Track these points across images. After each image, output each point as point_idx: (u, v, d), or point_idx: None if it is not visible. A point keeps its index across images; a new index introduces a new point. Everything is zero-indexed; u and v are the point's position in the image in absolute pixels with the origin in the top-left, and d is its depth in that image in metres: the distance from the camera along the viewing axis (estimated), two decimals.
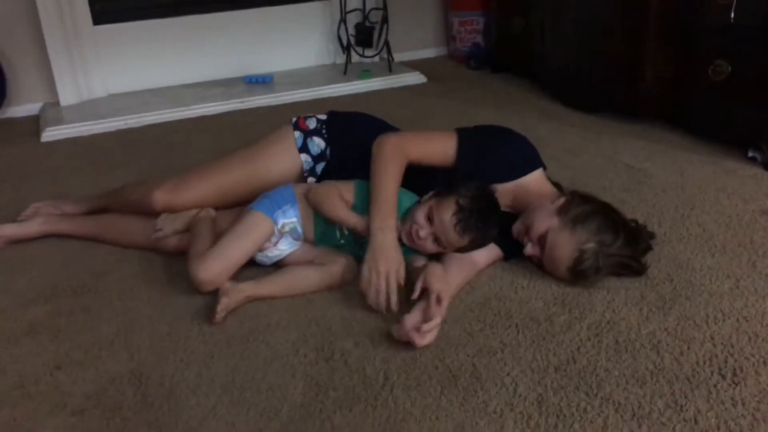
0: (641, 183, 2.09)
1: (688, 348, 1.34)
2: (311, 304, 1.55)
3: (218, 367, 1.36)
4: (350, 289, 1.60)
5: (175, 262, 1.72)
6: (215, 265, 1.54)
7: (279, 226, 1.61)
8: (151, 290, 1.63)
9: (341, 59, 3.37)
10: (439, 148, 1.64)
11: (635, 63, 2.46)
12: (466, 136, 1.66)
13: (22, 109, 3.04)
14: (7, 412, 1.28)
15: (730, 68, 2.19)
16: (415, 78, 3.28)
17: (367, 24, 3.32)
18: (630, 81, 2.50)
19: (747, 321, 1.41)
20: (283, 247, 1.65)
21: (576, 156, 2.32)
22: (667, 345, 1.35)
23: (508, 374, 1.30)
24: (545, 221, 1.53)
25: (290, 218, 1.62)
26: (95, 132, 2.77)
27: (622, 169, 2.19)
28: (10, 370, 1.39)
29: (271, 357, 1.38)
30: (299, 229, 1.64)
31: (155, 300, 1.59)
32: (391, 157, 1.58)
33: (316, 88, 3.13)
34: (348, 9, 3.29)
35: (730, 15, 2.12)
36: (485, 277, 1.62)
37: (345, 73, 3.27)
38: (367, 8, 3.32)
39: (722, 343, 1.35)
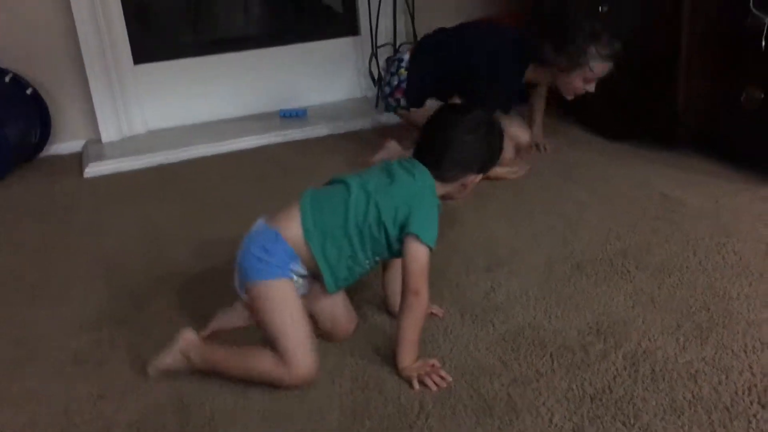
0: (675, 211, 2.08)
1: (727, 377, 1.33)
2: None
3: (256, 395, 1.38)
4: (381, 319, 1.62)
5: (211, 294, 1.75)
6: (297, 357, 1.36)
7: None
8: (190, 320, 1.67)
9: (373, 92, 3.43)
10: None
11: (668, 89, 2.46)
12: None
13: (65, 146, 3.14)
14: None
15: (763, 95, 2.18)
16: None
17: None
18: (662, 108, 2.50)
19: None
20: None
21: (607, 183, 2.32)
22: (705, 374, 1.34)
23: (543, 404, 1.30)
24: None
25: (301, 273, 1.45)
26: (136, 167, 2.86)
27: (656, 198, 2.19)
28: (55, 399, 1.44)
29: (307, 386, 1.40)
30: (305, 287, 1.49)
31: (194, 329, 1.62)
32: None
33: (348, 121, 3.19)
34: (379, 44, 3.36)
35: (762, 42, 2.12)
36: (519, 307, 1.63)
37: (376, 106, 3.32)
38: (398, 42, 3.38)
39: (761, 372, 1.33)
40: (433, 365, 1.41)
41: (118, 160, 2.89)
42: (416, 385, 1.37)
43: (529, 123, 2.72)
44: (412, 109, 2.59)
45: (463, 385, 1.38)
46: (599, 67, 2.29)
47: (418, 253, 1.40)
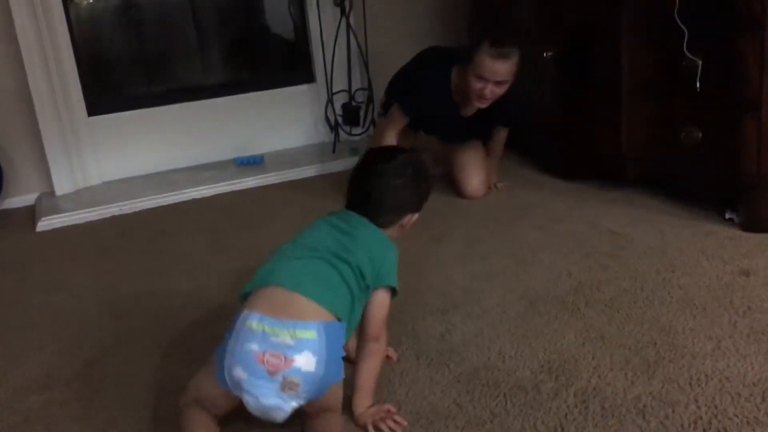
0: (623, 248, 2.14)
1: (673, 411, 1.36)
2: None
3: None
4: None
5: (165, 351, 1.73)
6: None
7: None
8: (145, 375, 1.65)
9: (330, 138, 3.47)
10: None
11: (612, 131, 2.55)
12: None
13: (17, 200, 3.10)
14: None
15: (700, 134, 2.27)
16: None
17: (353, 104, 3.44)
18: (609, 148, 2.59)
19: (729, 381, 1.44)
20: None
21: (560, 223, 2.38)
22: (653, 409, 1.37)
23: None
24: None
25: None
26: (90, 219, 2.83)
27: (605, 235, 2.25)
28: None
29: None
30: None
31: (149, 386, 1.61)
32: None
33: (306, 167, 3.22)
34: (334, 90, 3.42)
35: (696, 84, 2.22)
36: (473, 348, 1.65)
37: (334, 151, 3.36)
38: (353, 89, 3.44)
39: (706, 405, 1.37)
40: (388, 410, 1.41)
41: (71, 213, 2.86)
42: (371, 431, 1.37)
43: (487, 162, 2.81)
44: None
45: (419, 429, 1.38)
46: (485, 63, 2.38)
47: (385, 302, 1.44)
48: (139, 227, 2.72)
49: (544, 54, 2.75)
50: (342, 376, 1.31)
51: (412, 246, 2.27)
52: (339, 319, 1.32)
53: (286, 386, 1.24)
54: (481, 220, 2.48)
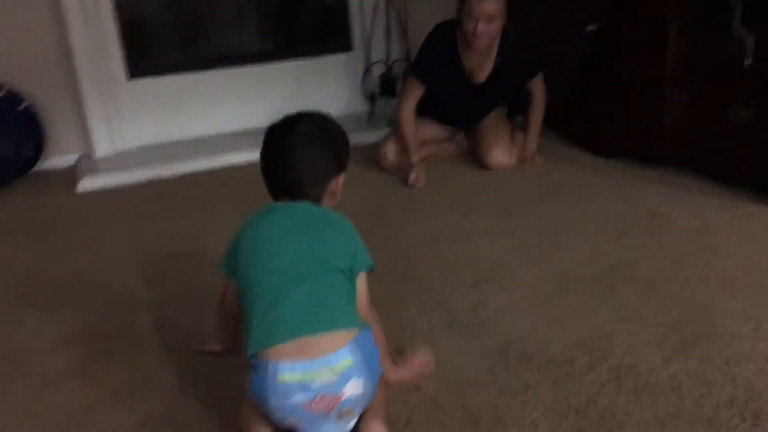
0: (662, 227, 2.11)
1: (709, 391, 1.35)
2: None
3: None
4: None
5: (199, 310, 1.76)
6: None
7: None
8: (181, 336, 1.67)
9: (365, 108, 3.45)
10: None
11: (655, 108, 2.50)
12: None
13: (58, 161, 3.15)
14: None
15: (747, 114, 2.22)
16: None
17: (391, 75, 3.42)
18: (650, 125, 2.54)
19: None
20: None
21: (595, 201, 2.34)
22: (688, 387, 1.36)
23: (529, 416, 1.32)
24: None
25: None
26: (128, 182, 2.87)
27: (643, 214, 2.21)
28: (46, 412, 1.44)
29: None
30: None
31: (185, 344, 1.63)
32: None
33: None
34: (372, 60, 3.40)
35: (745, 60, 2.16)
36: (506, 321, 1.65)
37: (369, 122, 3.35)
38: (391, 59, 3.42)
39: (743, 386, 1.35)
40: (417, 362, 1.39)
41: (110, 175, 2.91)
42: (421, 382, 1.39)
43: (525, 133, 2.80)
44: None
45: (450, 397, 1.39)
46: (472, 2, 2.46)
47: (365, 284, 1.34)
48: (175, 192, 2.75)
49: (587, 28, 2.70)
50: (381, 370, 1.26)
51: (442, 219, 2.27)
52: (359, 326, 1.24)
53: (343, 415, 1.21)
54: (512, 196, 2.45)
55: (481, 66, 2.66)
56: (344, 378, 1.18)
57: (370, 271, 1.34)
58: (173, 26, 3.43)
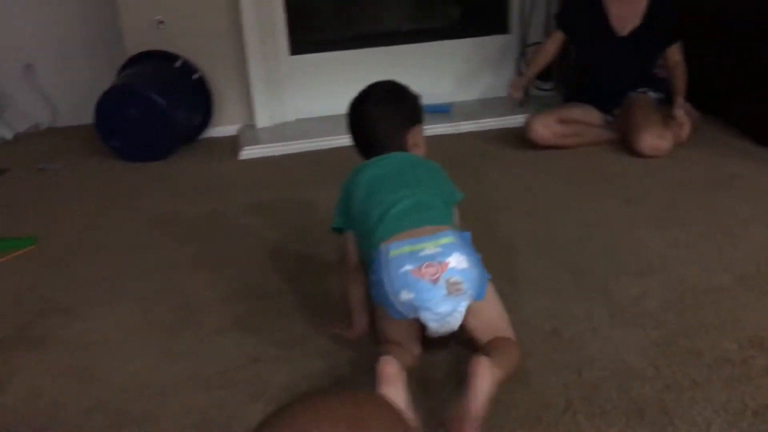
0: None
1: None
2: None
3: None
4: (532, 315, 1.61)
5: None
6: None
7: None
8: (335, 299, 1.73)
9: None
10: None
11: None
12: None
13: (222, 129, 3.34)
14: (213, 394, 1.42)
15: None
16: None
17: None
18: None
19: None
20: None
21: None
22: None
23: (699, 413, 1.25)
24: None
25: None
26: (286, 152, 2.99)
27: None
28: (216, 358, 1.54)
29: (442, 365, 1.42)
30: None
31: (336, 306, 1.68)
32: None
33: (493, 119, 3.18)
34: (528, 42, 3.33)
35: None
36: (672, 315, 1.57)
37: (522, 105, 3.29)
38: None
39: None
40: None
41: (269, 145, 3.05)
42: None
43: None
44: None
45: (613, 386, 1.34)
46: None
47: (457, 215, 1.55)
48: (330, 163, 2.82)
49: None
50: (489, 275, 1.40)
51: (602, 205, 2.19)
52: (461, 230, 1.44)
53: (452, 288, 1.31)
54: (677, 185, 2.32)
55: (627, 16, 2.70)
56: (447, 250, 1.33)
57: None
58: (335, 4, 3.53)
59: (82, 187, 2.72)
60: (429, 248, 1.33)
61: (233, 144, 3.14)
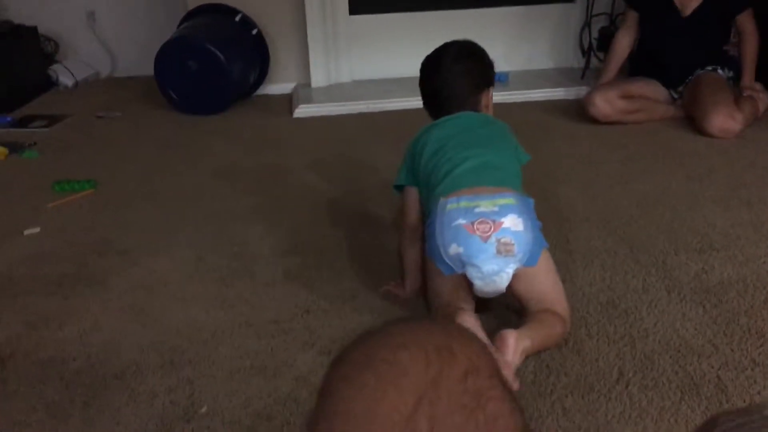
0: None
1: None
2: None
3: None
4: (587, 285, 1.58)
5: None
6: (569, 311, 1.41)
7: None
8: (388, 256, 1.72)
9: (579, 63, 3.31)
10: None
11: None
12: None
13: (278, 87, 3.34)
14: (265, 341, 1.44)
15: None
16: None
17: (612, 29, 3.23)
18: None
19: None
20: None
21: None
22: None
23: (758, 393, 1.22)
24: None
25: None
26: (340, 113, 2.98)
27: None
28: (269, 307, 1.56)
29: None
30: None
31: (388, 264, 1.67)
32: None
33: (551, 89, 3.12)
34: (594, 12, 3.23)
35: None
36: (733, 293, 1.53)
37: (582, 77, 3.21)
38: (615, 13, 3.23)
39: None
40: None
41: (324, 105, 3.04)
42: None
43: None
44: None
45: (668, 360, 1.32)
46: None
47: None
48: (384, 126, 2.82)
49: None
50: (546, 244, 1.37)
51: (665, 182, 2.14)
52: (526, 195, 1.42)
53: (502, 248, 1.30)
54: (744, 165, 2.25)
55: None
56: (504, 211, 1.32)
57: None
58: None
59: (140, 136, 2.76)
60: (486, 206, 1.33)
61: (288, 102, 3.15)
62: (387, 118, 2.90)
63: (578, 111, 2.77)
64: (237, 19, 3.06)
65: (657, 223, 1.86)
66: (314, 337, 1.44)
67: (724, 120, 2.47)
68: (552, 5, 3.37)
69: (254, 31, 3.12)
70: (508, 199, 1.35)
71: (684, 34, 2.64)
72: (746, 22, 2.60)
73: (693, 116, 2.60)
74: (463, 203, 1.34)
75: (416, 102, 3.07)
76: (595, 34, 3.26)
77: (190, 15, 3.09)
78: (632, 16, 2.75)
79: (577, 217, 1.93)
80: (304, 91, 3.22)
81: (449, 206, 1.35)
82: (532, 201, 1.42)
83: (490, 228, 1.30)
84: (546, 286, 1.39)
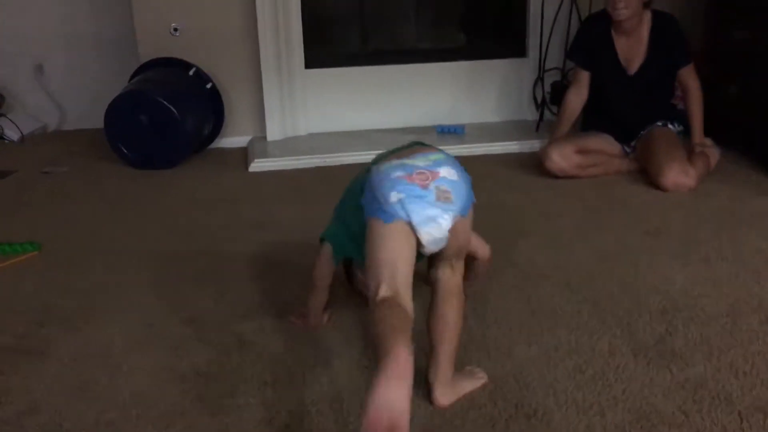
0: None
1: None
2: (510, 359, 1.52)
3: (417, 406, 1.35)
4: (553, 349, 1.55)
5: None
6: None
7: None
8: (352, 317, 1.67)
9: (533, 116, 3.36)
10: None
11: None
12: None
13: (232, 140, 3.29)
14: (218, 419, 1.35)
15: None
16: None
17: (564, 83, 3.29)
18: None
19: None
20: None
21: None
22: None
23: None
24: None
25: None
26: (296, 167, 2.95)
27: None
28: (223, 380, 1.47)
29: (467, 407, 1.36)
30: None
31: (355, 326, 1.63)
32: None
33: (506, 143, 3.14)
34: (547, 67, 3.29)
35: None
36: (699, 356, 1.51)
37: (537, 130, 3.25)
38: (567, 67, 3.30)
39: None
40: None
41: (280, 159, 3.00)
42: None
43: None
44: None
45: (640, 430, 1.28)
46: None
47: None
48: (341, 179, 2.74)
49: None
50: (475, 200, 1.40)
51: (622, 236, 2.14)
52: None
53: (441, 195, 1.32)
54: (702, 221, 2.27)
55: (633, 54, 2.69)
56: (438, 164, 1.35)
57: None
58: (351, 21, 3.50)
59: (88, 193, 2.67)
60: (420, 162, 1.35)
61: (243, 155, 3.09)
62: (343, 172, 2.84)
63: (534, 163, 2.79)
64: (191, 73, 3.02)
65: (619, 281, 1.85)
66: (272, 413, 1.36)
67: (678, 176, 2.51)
68: (505, 60, 3.42)
69: (209, 85, 3.07)
70: (440, 155, 1.39)
71: (632, 91, 2.71)
72: (689, 77, 2.68)
73: (647, 170, 2.64)
74: (399, 162, 1.36)
75: (370, 155, 3.07)
76: (547, 88, 3.32)
77: (143, 68, 3.04)
78: (582, 75, 2.81)
79: (537, 273, 1.91)
80: (259, 145, 3.18)
81: (384, 166, 1.37)
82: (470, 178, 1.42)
83: (428, 177, 1.33)
84: (468, 234, 1.46)
